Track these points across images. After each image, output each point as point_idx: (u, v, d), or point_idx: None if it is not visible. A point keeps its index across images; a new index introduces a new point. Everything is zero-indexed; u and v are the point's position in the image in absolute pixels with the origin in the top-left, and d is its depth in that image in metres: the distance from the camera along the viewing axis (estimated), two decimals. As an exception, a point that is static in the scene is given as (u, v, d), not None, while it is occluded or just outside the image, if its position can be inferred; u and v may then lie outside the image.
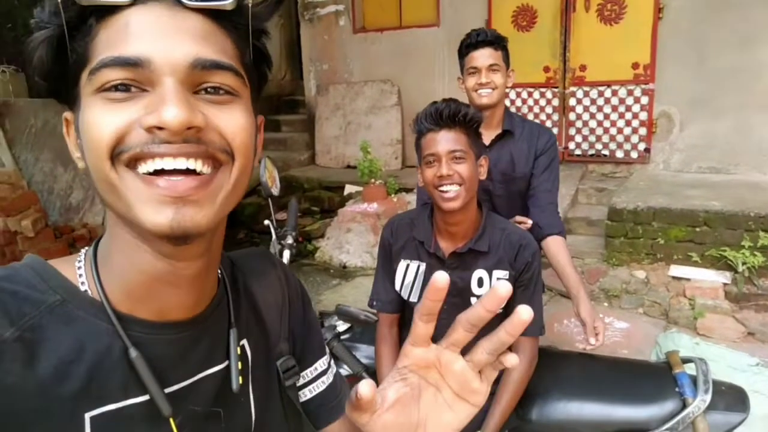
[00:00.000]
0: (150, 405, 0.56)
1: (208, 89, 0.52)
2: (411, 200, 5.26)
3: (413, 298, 1.67)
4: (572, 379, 1.74)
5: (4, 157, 7.39)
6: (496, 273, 1.61)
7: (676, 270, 3.93)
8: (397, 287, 1.70)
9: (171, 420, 0.58)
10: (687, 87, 4.90)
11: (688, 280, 3.82)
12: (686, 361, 1.71)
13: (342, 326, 1.91)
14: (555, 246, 1.97)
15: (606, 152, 5.34)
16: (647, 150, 5.18)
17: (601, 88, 5.21)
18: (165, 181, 0.49)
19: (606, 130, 5.29)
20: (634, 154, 5.25)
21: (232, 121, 0.53)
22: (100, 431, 0.54)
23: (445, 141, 1.52)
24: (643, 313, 3.67)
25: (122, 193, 0.50)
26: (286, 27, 8.27)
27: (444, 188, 1.51)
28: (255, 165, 0.62)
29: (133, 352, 0.55)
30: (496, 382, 1.67)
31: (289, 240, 2.14)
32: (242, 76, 0.55)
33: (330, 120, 6.82)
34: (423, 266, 1.66)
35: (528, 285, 1.62)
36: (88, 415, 0.53)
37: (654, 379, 1.68)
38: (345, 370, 1.80)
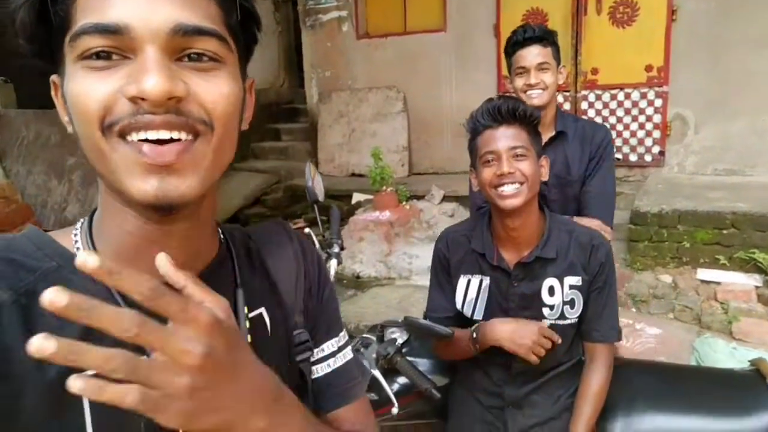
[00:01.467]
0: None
1: (191, 55, 0.52)
2: (423, 207, 5.16)
3: (477, 316, 1.55)
4: (655, 391, 1.62)
5: (-5, 170, 7.16)
6: (568, 280, 1.50)
7: (704, 273, 3.85)
8: (458, 305, 1.57)
9: None
10: (701, 89, 4.87)
11: (717, 283, 3.74)
12: (778, 368, 1.60)
13: (401, 339, 1.78)
14: None
15: (619, 156, 5.27)
16: (662, 153, 5.13)
17: (614, 92, 5.16)
18: (149, 147, 0.49)
19: (619, 134, 5.23)
20: (648, 158, 5.20)
21: (214, 90, 0.53)
22: None
23: (505, 138, 1.41)
24: (674, 319, 3.58)
25: (111, 161, 0.50)
26: (284, 34, 8.16)
27: (505, 188, 1.40)
28: (245, 127, 0.62)
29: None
30: (572, 395, 1.56)
31: (336, 249, 2.01)
32: (226, 40, 0.54)
33: (333, 128, 6.70)
34: (487, 280, 1.53)
35: (603, 288, 1.51)
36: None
37: (746, 389, 1.57)
38: (400, 385, 1.67)
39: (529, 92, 1.91)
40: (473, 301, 1.54)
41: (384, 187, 4.96)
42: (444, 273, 1.60)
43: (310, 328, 0.76)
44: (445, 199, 5.30)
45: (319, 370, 0.77)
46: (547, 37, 1.92)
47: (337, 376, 0.77)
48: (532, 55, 1.89)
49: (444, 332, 1.52)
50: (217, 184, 0.60)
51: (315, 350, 0.77)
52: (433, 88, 5.98)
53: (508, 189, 1.40)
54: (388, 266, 4.61)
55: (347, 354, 0.80)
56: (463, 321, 1.58)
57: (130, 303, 0.51)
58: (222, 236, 0.69)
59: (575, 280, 1.49)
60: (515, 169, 1.40)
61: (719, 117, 4.86)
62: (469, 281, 1.54)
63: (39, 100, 7.71)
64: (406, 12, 6.15)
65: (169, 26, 0.49)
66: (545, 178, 1.51)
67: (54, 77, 0.56)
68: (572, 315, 1.50)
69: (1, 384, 0.50)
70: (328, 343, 0.78)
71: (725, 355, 3.09)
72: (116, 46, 0.49)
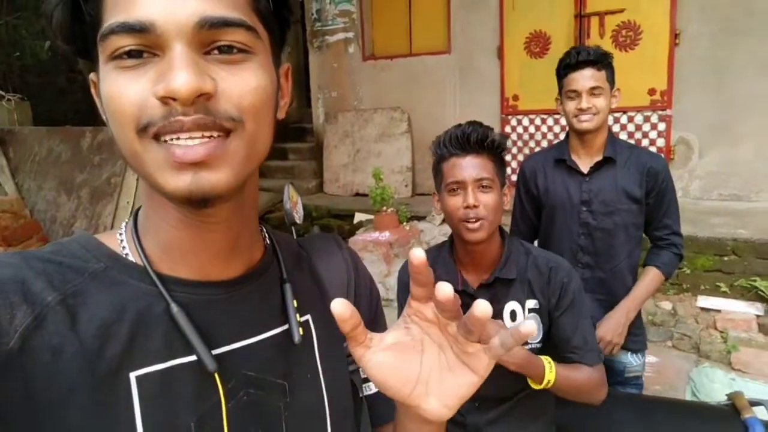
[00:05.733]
0: (198, 365, 0.56)
1: (221, 47, 0.51)
2: (423, 228, 5.13)
3: None
4: (628, 424, 1.58)
5: (7, 186, 7.30)
6: (529, 303, 1.47)
7: (704, 301, 3.77)
8: None
9: (216, 376, 0.57)
10: (706, 113, 4.81)
11: (718, 311, 3.66)
12: (754, 403, 1.55)
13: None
14: (646, 275, 1.94)
15: (622, 179, 5.23)
16: (665, 177, 5.06)
17: (617, 114, 5.13)
18: (180, 149, 0.49)
19: (622, 157, 5.18)
20: (651, 182, 5.13)
21: (241, 84, 0.52)
22: (147, 391, 0.54)
23: (471, 168, 1.40)
24: (673, 347, 3.50)
25: (145, 161, 0.51)
26: (293, 55, 8.26)
27: (469, 219, 1.39)
28: (281, 116, 0.60)
29: (174, 307, 0.55)
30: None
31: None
32: (255, 30, 0.53)
33: (338, 148, 6.73)
34: None
35: (570, 309, 1.46)
36: (133, 375, 0.53)
37: (720, 424, 1.53)
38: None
39: (579, 116, 1.86)
40: None
41: (384, 208, 4.95)
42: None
43: None
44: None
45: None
46: (601, 60, 1.84)
47: None
48: (585, 78, 1.83)
49: None
50: (256, 176, 0.60)
51: None
52: (437, 109, 6.01)
53: (471, 223, 1.39)
54: (387, 287, 4.58)
55: None
56: None
57: (178, 302, 0.56)
58: (267, 236, 0.70)
59: (533, 303, 1.47)
60: (479, 201, 1.38)
61: (724, 141, 4.80)
62: None
63: (54, 117, 7.86)
64: (411, 34, 6.21)
65: (194, 20, 0.49)
66: (508, 207, 1.49)
67: (92, 75, 0.57)
68: (534, 340, 1.47)
69: (50, 383, 0.50)
70: None
71: (723, 385, 3.01)
72: (144, 44, 0.49)
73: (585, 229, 1.94)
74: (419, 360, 0.53)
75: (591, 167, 1.93)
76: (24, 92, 8.69)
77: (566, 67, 1.87)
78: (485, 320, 0.47)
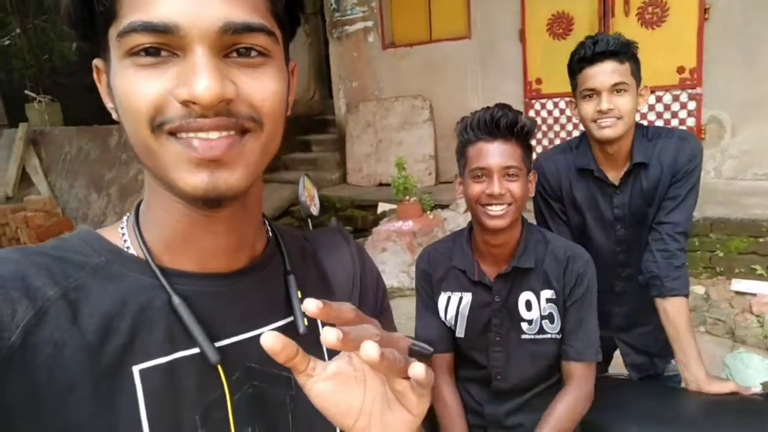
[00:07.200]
0: (201, 358, 0.56)
1: (240, 50, 0.51)
2: (447, 216, 5.09)
3: (459, 333, 1.49)
4: (654, 416, 1.53)
5: (40, 185, 7.51)
6: (544, 293, 1.44)
7: (738, 284, 3.65)
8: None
9: (220, 368, 0.57)
10: (738, 90, 4.64)
11: (753, 295, 3.54)
12: (789, 392, 1.49)
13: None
14: (675, 309, 1.58)
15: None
16: (696, 157, 4.91)
17: (644, 95, 4.98)
18: (199, 141, 0.49)
19: (651, 139, 5.05)
20: (682, 163, 4.98)
21: (262, 88, 0.52)
22: (150, 384, 0.54)
23: (499, 155, 1.34)
24: (706, 332, 3.41)
25: (160, 157, 0.50)
26: (314, 46, 8.25)
27: (492, 208, 1.34)
28: (289, 113, 0.61)
29: (176, 299, 0.55)
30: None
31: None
32: (274, 34, 0.53)
33: (361, 138, 6.72)
34: (467, 297, 1.48)
35: (580, 301, 1.42)
36: (136, 369, 0.53)
37: (755, 415, 1.47)
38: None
39: (599, 121, 1.53)
40: (453, 318, 1.49)
41: (407, 197, 4.93)
42: (429, 293, 1.55)
43: None
44: (471, 208, 5.22)
45: None
46: (624, 50, 1.50)
47: None
48: (605, 73, 1.49)
49: (424, 351, 1.48)
50: (261, 173, 0.61)
51: None
52: (459, 95, 5.93)
53: (495, 210, 1.35)
54: (411, 276, 4.56)
55: None
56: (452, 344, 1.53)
57: (180, 295, 0.56)
58: (270, 230, 0.70)
59: (550, 293, 1.44)
60: (506, 190, 1.33)
61: (758, 119, 4.62)
62: (449, 298, 1.50)
63: (83, 117, 8.02)
64: (430, 20, 6.13)
65: (219, 25, 0.49)
66: (532, 194, 1.45)
67: (97, 62, 0.56)
68: (553, 330, 1.44)
69: (52, 378, 0.50)
70: None
71: (759, 371, 2.92)
72: (165, 43, 0.49)
73: (624, 246, 1.72)
74: (362, 391, 0.50)
75: (621, 179, 1.64)
76: (54, 93, 8.91)
77: (581, 60, 1.54)
78: (374, 364, 0.43)
